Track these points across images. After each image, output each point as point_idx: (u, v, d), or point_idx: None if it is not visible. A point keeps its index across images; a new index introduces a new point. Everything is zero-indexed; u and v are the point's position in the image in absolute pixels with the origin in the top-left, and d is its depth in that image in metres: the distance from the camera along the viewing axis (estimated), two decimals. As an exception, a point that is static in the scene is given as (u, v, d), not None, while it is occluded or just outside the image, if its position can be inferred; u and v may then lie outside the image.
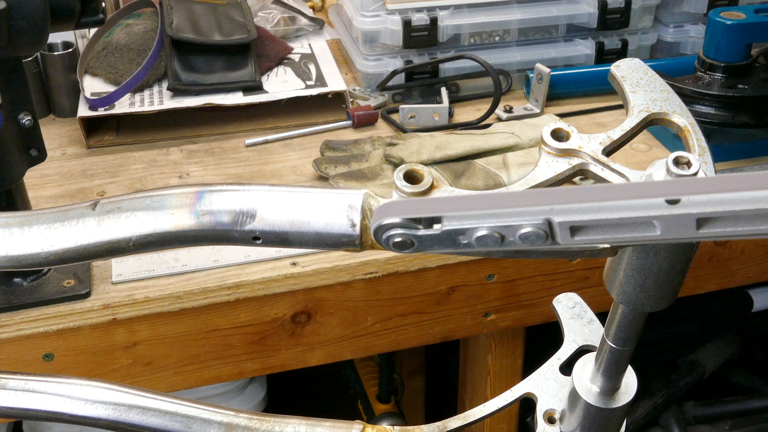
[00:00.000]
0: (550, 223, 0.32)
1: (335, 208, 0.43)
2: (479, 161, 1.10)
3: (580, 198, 0.32)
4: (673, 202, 0.31)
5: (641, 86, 0.45)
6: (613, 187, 0.32)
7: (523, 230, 0.33)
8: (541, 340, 1.18)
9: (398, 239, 0.35)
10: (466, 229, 0.34)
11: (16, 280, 0.91)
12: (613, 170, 0.44)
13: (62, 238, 0.44)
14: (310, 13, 1.49)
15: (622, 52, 1.35)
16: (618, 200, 0.31)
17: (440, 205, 0.34)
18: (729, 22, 1.12)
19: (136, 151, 1.18)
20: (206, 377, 0.97)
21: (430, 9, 1.26)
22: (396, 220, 0.34)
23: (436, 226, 0.34)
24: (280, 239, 0.43)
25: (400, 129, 1.22)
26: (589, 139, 0.44)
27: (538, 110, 1.27)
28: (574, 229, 0.33)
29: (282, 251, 0.95)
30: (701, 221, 0.31)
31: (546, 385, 0.56)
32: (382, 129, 1.23)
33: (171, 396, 0.52)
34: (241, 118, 1.25)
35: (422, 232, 0.34)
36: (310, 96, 1.25)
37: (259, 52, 1.30)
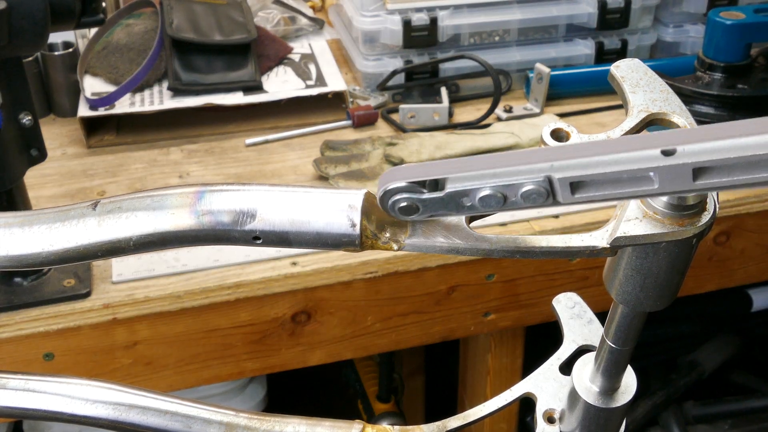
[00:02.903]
0: (550, 181, 0.33)
1: (335, 208, 0.43)
2: (479, 161, 1.10)
3: (579, 154, 0.32)
4: (668, 153, 0.31)
5: (641, 86, 0.45)
6: (611, 142, 0.32)
7: (525, 188, 0.33)
8: (541, 340, 1.18)
9: (403, 204, 0.35)
10: (469, 190, 0.34)
11: (17, 279, 0.91)
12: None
13: (63, 238, 0.44)
14: (310, 13, 1.49)
15: (621, 52, 1.35)
16: (615, 153, 0.31)
17: (444, 166, 0.35)
18: (729, 22, 1.13)
19: (137, 150, 1.18)
20: (206, 377, 0.98)
21: (430, 9, 1.26)
22: (401, 184, 0.35)
23: (440, 190, 0.35)
24: (281, 239, 0.43)
25: (400, 129, 1.22)
26: (588, 139, 0.44)
27: (537, 110, 1.27)
28: (574, 185, 0.33)
29: (282, 251, 0.95)
30: (697, 172, 0.31)
31: (546, 385, 0.56)
32: (382, 129, 1.23)
33: (171, 396, 0.52)
34: (241, 118, 1.25)
35: (427, 195, 0.35)
36: (310, 96, 1.25)
37: (259, 52, 1.30)
